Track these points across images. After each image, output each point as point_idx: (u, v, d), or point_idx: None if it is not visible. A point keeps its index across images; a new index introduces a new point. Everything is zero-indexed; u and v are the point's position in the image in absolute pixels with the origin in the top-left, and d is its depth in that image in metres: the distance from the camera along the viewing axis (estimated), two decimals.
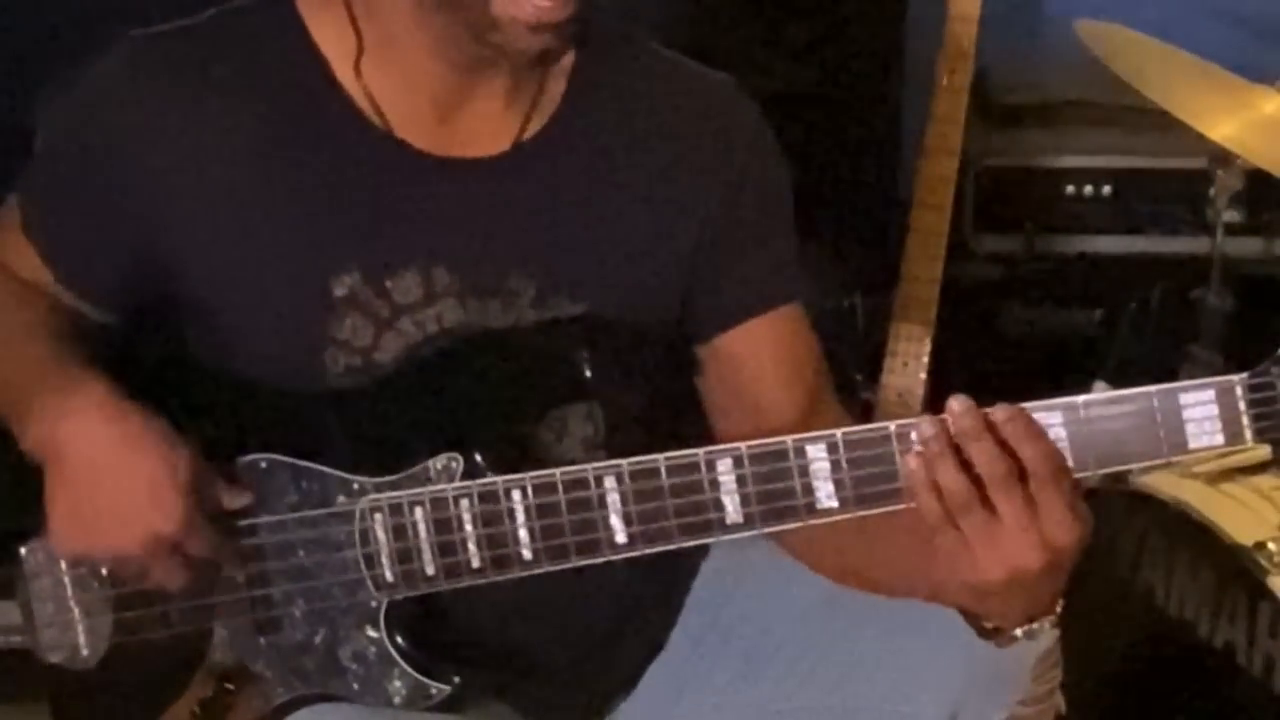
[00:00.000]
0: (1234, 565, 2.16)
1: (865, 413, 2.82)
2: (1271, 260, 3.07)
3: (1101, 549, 2.38)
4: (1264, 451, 2.20)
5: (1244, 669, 2.19)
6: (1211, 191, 2.70)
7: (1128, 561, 2.36)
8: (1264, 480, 2.28)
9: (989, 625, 1.51)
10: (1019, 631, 1.50)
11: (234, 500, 1.60)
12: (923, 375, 2.87)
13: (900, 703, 1.68)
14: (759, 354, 1.76)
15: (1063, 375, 2.79)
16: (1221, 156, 2.64)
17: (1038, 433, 1.43)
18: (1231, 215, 2.74)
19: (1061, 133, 3.15)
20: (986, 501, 1.42)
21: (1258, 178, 2.56)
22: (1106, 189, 3.09)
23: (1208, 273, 2.75)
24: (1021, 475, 1.42)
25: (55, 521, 1.56)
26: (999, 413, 1.43)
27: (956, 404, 1.43)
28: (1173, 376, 1.46)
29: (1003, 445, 1.42)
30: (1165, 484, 2.30)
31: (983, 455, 1.42)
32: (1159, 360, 2.83)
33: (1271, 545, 2.13)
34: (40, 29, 2.70)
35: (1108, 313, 3.10)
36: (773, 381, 1.76)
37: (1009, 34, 3.06)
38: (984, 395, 1.48)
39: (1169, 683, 2.35)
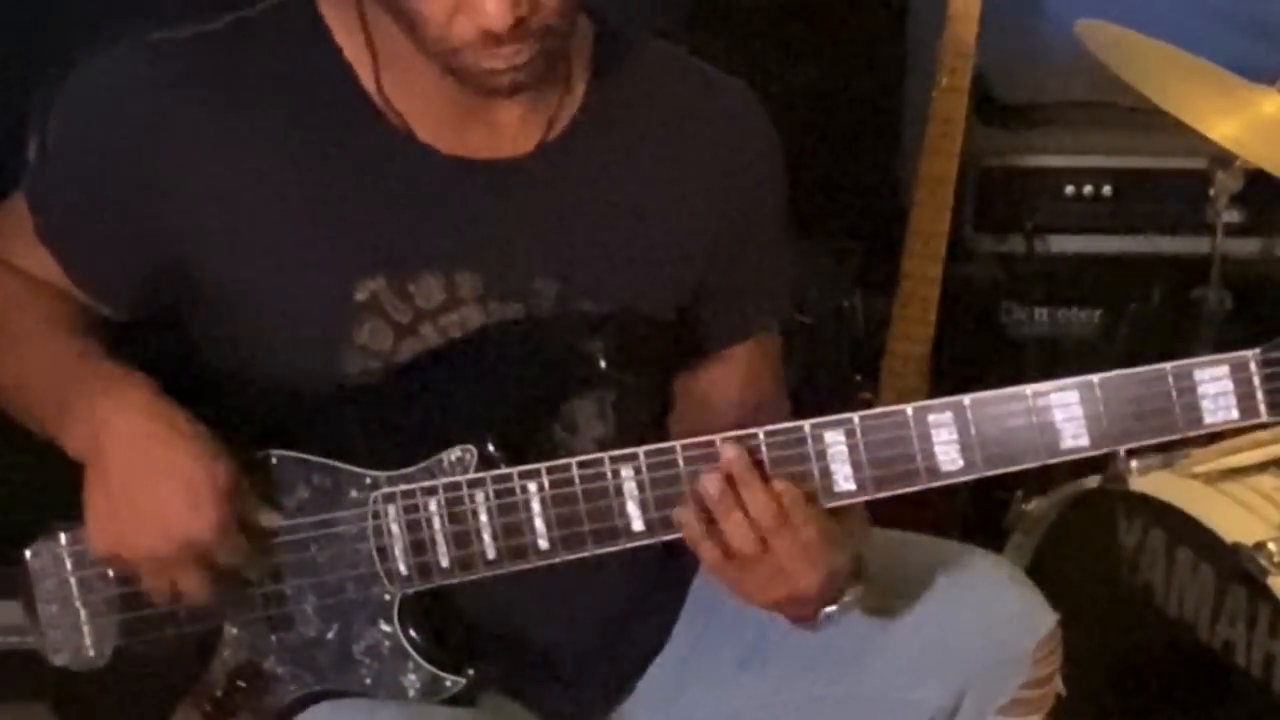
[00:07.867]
0: (1234, 565, 2.16)
1: None
2: (1271, 260, 3.06)
3: (1101, 549, 2.39)
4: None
5: (1244, 669, 2.19)
6: (1211, 191, 2.71)
7: (1128, 561, 2.36)
8: (1264, 480, 2.28)
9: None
10: (827, 610, 1.59)
11: (268, 520, 1.60)
12: (923, 375, 2.87)
13: (906, 689, 1.69)
14: (733, 372, 1.80)
15: (1062, 375, 2.79)
16: (1221, 156, 2.65)
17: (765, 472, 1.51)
18: (1231, 215, 2.74)
19: (1061, 133, 3.13)
20: (765, 543, 1.50)
21: (1258, 178, 2.57)
22: (1106, 189, 3.08)
23: (1208, 273, 2.75)
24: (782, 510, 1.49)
25: (93, 520, 1.55)
26: (729, 450, 1.51)
27: (732, 450, 1.50)
28: None
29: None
30: (1165, 484, 2.29)
31: (757, 500, 1.49)
32: (1159, 361, 2.82)
33: (1271, 545, 2.12)
34: (40, 29, 2.69)
35: (1108, 313, 3.10)
36: (734, 391, 1.80)
37: (1009, 34, 3.05)
38: None
39: (1169, 682, 2.35)
